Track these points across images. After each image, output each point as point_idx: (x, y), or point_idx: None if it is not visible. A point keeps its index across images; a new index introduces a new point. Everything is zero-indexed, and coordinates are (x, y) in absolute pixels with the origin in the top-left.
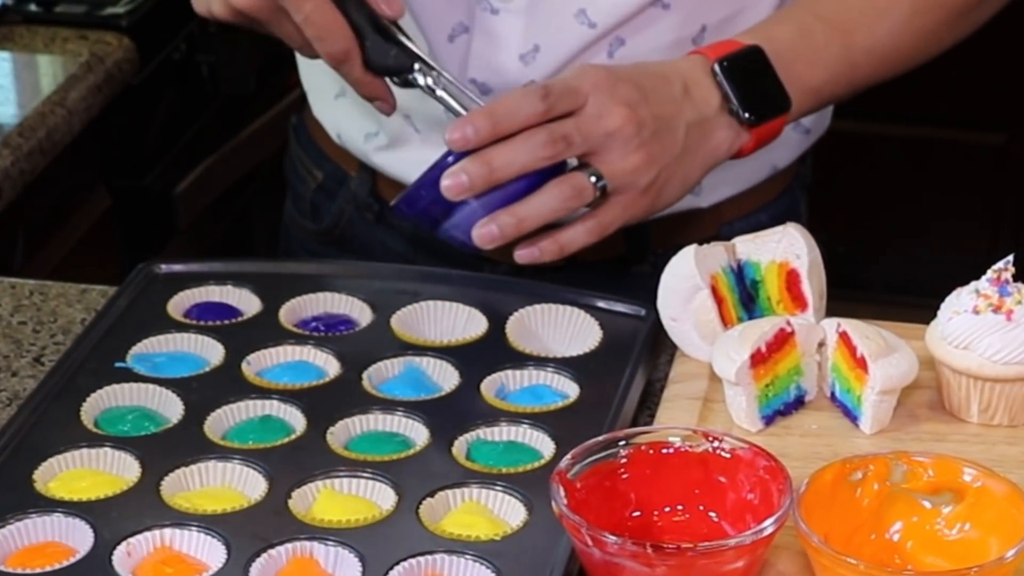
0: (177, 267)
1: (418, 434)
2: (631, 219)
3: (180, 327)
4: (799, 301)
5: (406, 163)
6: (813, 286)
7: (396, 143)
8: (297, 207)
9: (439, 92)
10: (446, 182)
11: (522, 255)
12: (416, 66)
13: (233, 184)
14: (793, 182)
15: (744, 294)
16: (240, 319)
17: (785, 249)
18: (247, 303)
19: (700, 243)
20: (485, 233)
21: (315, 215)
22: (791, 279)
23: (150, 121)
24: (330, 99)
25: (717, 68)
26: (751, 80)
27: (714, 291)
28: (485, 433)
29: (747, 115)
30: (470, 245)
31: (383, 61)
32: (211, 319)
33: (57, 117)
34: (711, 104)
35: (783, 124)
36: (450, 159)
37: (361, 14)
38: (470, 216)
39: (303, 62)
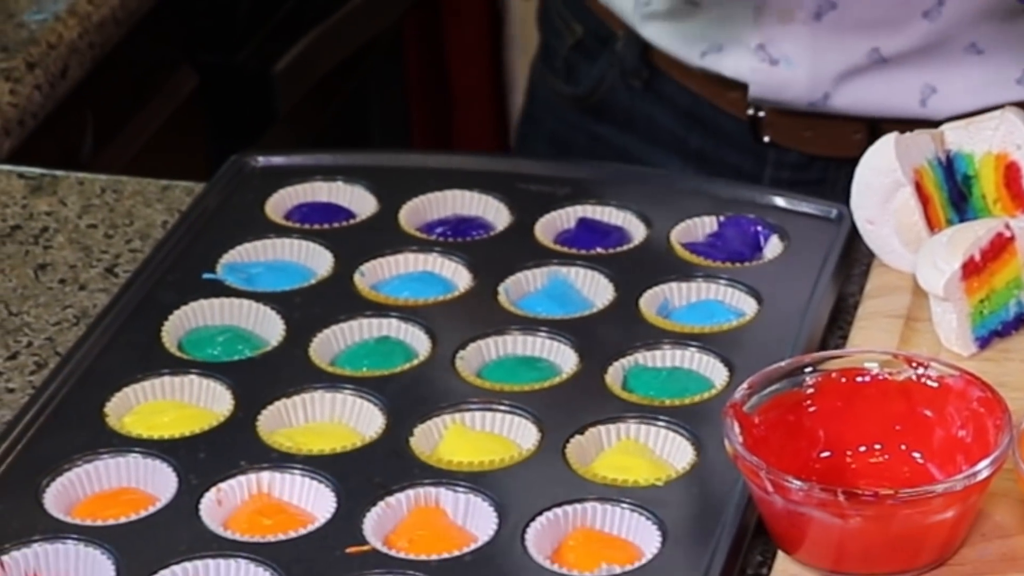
0: (277, 160)
1: (565, 359)
2: None
3: (281, 231)
4: (1021, 200)
5: (685, 39)
6: None
7: (673, 15)
8: (549, 64)
9: None
10: None
11: None
12: None
13: (344, 60)
14: None
15: (955, 191)
16: (352, 222)
17: (1004, 137)
18: (361, 203)
19: None
20: None
21: (570, 76)
22: (1011, 173)
23: None
24: None
25: None
26: None
27: (918, 188)
28: (645, 358)
29: None
30: None
31: None
32: (318, 221)
33: None
34: None
35: None
36: None
37: None
38: None
39: None
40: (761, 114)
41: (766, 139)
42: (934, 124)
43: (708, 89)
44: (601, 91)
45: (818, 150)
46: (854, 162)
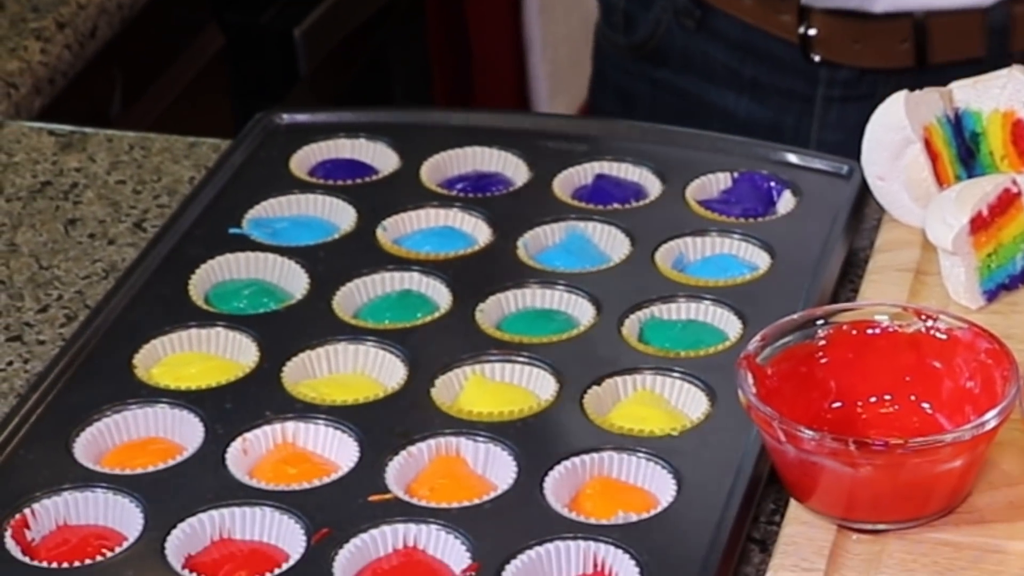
0: (301, 117)
1: (582, 312)
2: None
3: (305, 187)
4: None
5: None
6: None
7: None
8: (608, 21)
9: None
10: None
11: None
12: None
13: (365, 21)
14: None
15: (963, 148)
16: (375, 177)
17: (1011, 95)
18: (383, 159)
19: None
20: None
21: (628, 27)
22: (1018, 130)
23: None
24: None
25: None
26: None
27: (928, 145)
28: (660, 311)
29: None
30: None
31: None
32: (341, 177)
33: None
34: None
35: None
36: None
37: None
38: None
39: None
40: (812, 32)
41: (816, 58)
42: (980, 13)
43: (759, 15)
44: (657, 36)
45: (867, 62)
46: (902, 74)
